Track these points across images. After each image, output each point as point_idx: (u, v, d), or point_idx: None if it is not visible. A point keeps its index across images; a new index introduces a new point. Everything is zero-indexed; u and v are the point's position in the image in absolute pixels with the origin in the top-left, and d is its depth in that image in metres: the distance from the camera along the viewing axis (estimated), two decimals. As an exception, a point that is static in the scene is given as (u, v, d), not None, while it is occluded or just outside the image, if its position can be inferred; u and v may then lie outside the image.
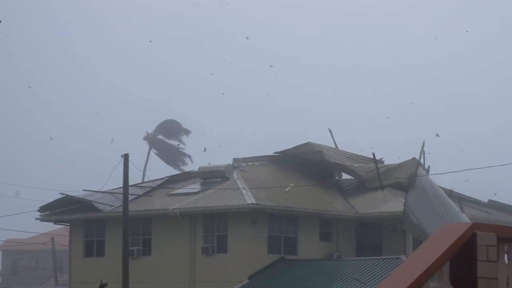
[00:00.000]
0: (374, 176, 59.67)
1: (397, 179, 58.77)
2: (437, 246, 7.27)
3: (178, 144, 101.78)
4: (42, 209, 60.57)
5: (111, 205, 57.29)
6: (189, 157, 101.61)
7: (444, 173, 61.57)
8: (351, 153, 63.19)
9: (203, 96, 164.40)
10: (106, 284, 31.68)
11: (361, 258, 54.27)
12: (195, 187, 58.39)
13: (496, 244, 7.58)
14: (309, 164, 60.48)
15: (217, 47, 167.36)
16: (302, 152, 60.72)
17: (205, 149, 79.37)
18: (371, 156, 61.36)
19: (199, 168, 61.36)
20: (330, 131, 64.71)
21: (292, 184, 57.04)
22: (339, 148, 63.56)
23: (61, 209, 59.61)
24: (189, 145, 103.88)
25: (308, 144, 60.93)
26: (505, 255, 7.78)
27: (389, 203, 57.11)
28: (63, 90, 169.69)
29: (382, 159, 62.46)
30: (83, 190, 60.89)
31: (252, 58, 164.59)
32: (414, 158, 59.70)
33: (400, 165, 60.23)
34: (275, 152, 62.43)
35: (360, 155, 63.41)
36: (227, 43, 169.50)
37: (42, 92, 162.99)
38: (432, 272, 7.11)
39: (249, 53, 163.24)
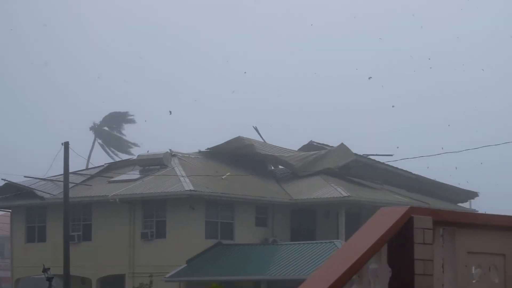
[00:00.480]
0: (306, 164, 60.02)
1: (328, 168, 59.34)
2: (376, 229, 7.32)
3: (122, 135, 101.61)
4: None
5: (51, 194, 56.95)
6: (135, 145, 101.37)
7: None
8: (280, 147, 63.37)
9: (153, 85, 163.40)
10: (49, 269, 31.52)
11: (296, 242, 54.48)
12: (134, 174, 58.28)
13: (432, 227, 7.66)
14: (242, 157, 60.51)
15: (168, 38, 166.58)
16: (234, 147, 60.75)
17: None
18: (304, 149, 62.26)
19: (138, 155, 61.29)
20: (255, 128, 64.99)
21: (228, 173, 57.21)
22: (267, 142, 63.79)
23: (2, 195, 59.24)
24: (135, 134, 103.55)
25: (238, 139, 61.02)
26: (441, 237, 7.86)
27: (322, 190, 57.44)
28: (16, 71, 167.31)
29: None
30: (24, 176, 60.45)
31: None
32: (342, 144, 60.39)
33: (329, 151, 60.73)
34: (208, 148, 62.46)
35: (289, 149, 63.65)
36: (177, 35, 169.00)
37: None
38: (371, 254, 7.16)
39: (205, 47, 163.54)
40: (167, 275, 50.20)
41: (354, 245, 7.06)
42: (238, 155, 60.40)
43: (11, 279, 61.58)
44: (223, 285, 48.67)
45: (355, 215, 55.95)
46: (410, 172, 63.44)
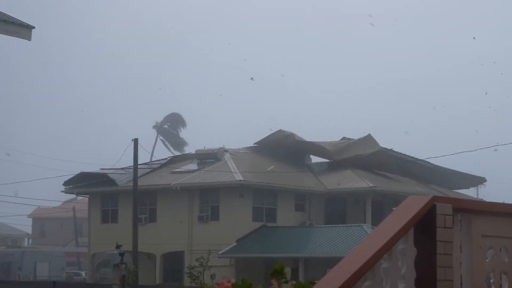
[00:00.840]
0: (339, 149, 60.25)
1: (358, 154, 59.52)
2: (404, 214, 7.30)
3: (179, 132, 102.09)
4: (66, 183, 60.59)
5: (122, 182, 57.30)
6: (185, 144, 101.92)
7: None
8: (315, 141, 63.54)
9: (202, 92, 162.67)
10: (121, 246, 31.63)
11: (329, 225, 54.44)
12: (193, 166, 58.48)
13: (452, 213, 7.63)
14: (283, 149, 60.54)
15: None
16: (276, 138, 60.84)
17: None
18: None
19: (196, 150, 61.41)
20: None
21: (272, 166, 57.27)
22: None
23: (82, 183, 59.71)
24: (188, 133, 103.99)
25: (280, 131, 61.15)
26: (459, 222, 7.83)
27: (352, 181, 57.44)
28: (92, 81, 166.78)
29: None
30: (100, 168, 60.86)
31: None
32: (369, 135, 60.61)
33: (359, 140, 60.97)
34: (255, 143, 62.64)
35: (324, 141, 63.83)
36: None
37: (74, 81, 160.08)
38: (400, 236, 7.14)
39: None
40: (220, 252, 50.32)
41: (386, 228, 7.03)
42: (280, 146, 60.43)
43: (88, 254, 62.04)
44: (266, 261, 48.83)
45: (379, 203, 55.88)
46: (428, 162, 63.18)
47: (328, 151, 60.92)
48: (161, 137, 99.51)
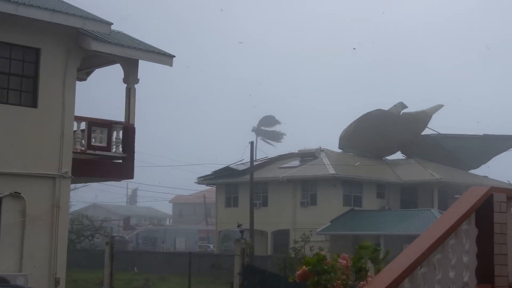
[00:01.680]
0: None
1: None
2: (468, 201, 7.22)
3: (274, 129, 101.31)
4: (199, 178, 61.67)
5: (241, 176, 57.76)
6: (284, 135, 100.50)
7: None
8: None
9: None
10: (241, 225, 31.85)
11: (404, 209, 53.92)
12: (296, 163, 58.53)
13: (506, 200, 7.52)
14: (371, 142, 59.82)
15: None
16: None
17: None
18: None
19: (299, 150, 61.41)
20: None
21: (358, 163, 56.85)
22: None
23: (211, 175, 60.57)
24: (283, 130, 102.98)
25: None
26: (511, 208, 7.71)
27: (422, 173, 56.73)
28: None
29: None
30: (227, 166, 61.27)
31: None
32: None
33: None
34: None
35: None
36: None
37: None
38: (464, 219, 7.05)
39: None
40: (317, 230, 50.20)
41: (453, 212, 6.96)
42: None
43: (216, 231, 62.70)
44: (354, 237, 48.53)
45: (444, 192, 54.96)
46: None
47: None
48: (260, 137, 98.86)
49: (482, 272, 7.19)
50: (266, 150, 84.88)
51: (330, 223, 51.69)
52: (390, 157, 63.59)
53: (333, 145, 65.31)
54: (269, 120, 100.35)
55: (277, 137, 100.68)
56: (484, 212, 7.28)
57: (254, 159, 52.57)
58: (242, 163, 59.02)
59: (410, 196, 57.74)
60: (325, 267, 6.72)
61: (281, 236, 55.78)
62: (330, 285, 6.66)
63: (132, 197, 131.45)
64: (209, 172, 61.89)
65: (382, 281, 5.99)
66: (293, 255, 36.88)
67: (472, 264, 7.08)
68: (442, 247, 6.78)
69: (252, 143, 51.10)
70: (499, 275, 7.24)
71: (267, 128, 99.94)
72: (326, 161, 56.40)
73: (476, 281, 7.12)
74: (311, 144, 61.76)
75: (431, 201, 55.35)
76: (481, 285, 7.15)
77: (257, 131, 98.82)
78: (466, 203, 7.09)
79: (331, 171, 53.71)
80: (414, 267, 6.30)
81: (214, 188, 64.25)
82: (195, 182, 63.10)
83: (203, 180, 61.91)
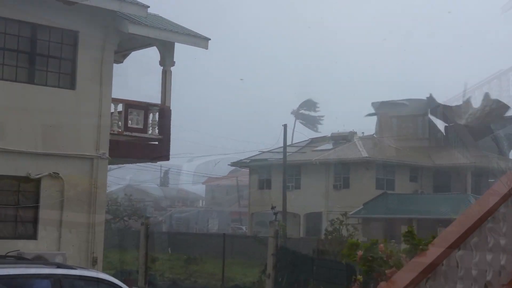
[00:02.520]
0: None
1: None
2: (505, 185, 7.23)
3: (313, 114, 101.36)
4: (233, 162, 62.11)
5: (275, 158, 57.88)
6: (321, 118, 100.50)
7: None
8: None
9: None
10: (275, 207, 32.00)
11: (437, 193, 53.71)
12: (329, 146, 58.49)
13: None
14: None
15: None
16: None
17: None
18: None
19: (332, 133, 61.33)
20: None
21: (391, 145, 56.64)
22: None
23: (246, 160, 60.84)
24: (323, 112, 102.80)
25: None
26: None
27: (455, 157, 56.28)
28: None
29: None
30: (259, 151, 61.42)
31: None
32: None
33: None
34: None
35: None
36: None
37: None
38: (502, 202, 7.08)
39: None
40: (350, 213, 50.15)
41: (490, 195, 6.99)
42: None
43: (248, 213, 62.99)
44: (386, 220, 48.46)
45: (477, 175, 54.55)
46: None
47: None
48: (299, 121, 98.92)
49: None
50: (307, 134, 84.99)
51: (362, 206, 51.62)
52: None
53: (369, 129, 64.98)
54: (309, 104, 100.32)
55: (315, 121, 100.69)
56: (521, 195, 7.29)
57: (291, 142, 52.64)
58: (280, 147, 59.26)
59: (444, 180, 57.41)
60: (381, 255, 6.78)
61: (314, 219, 55.86)
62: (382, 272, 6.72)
63: (165, 179, 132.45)
64: (244, 155, 62.31)
65: (420, 264, 6.05)
66: (328, 237, 36.87)
67: (509, 247, 7.10)
68: (480, 231, 6.82)
69: (285, 125, 51.18)
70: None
71: (307, 112, 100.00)
72: (359, 144, 56.31)
73: (513, 264, 7.14)
74: (353, 127, 61.47)
75: (465, 185, 54.99)
76: None
77: (297, 114, 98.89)
78: (503, 187, 7.11)
79: (364, 154, 53.65)
80: (451, 250, 6.35)
81: (247, 170, 64.51)
82: (228, 165, 63.49)
83: (236, 163, 62.25)
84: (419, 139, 62.05)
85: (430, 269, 6.14)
